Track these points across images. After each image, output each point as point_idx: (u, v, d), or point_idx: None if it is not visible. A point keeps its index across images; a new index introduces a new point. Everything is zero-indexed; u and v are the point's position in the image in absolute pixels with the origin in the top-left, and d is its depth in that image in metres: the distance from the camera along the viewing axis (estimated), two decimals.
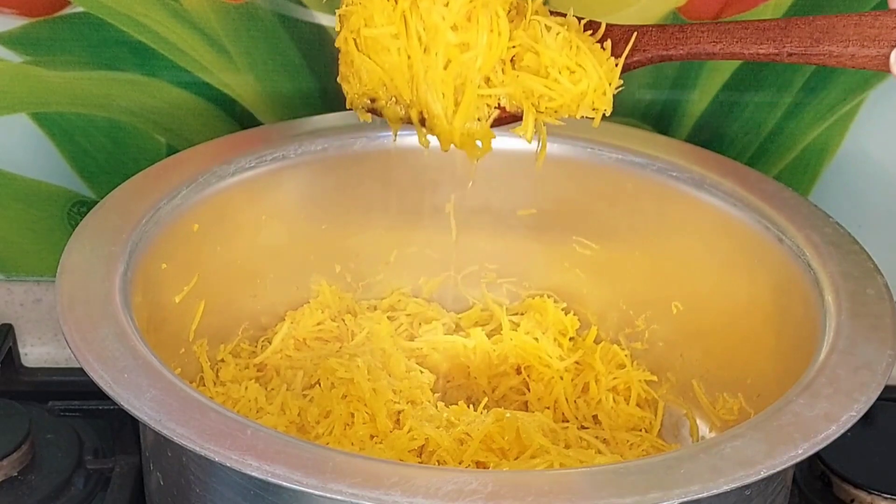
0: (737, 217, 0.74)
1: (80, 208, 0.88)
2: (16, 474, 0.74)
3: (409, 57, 0.64)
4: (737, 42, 0.60)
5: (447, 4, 0.63)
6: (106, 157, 0.87)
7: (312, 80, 0.85)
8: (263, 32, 0.83)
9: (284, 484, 0.50)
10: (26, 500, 0.73)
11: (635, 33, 0.64)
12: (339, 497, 0.50)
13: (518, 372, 0.81)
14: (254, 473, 0.51)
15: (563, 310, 0.83)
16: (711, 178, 0.76)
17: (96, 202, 0.71)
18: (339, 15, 0.67)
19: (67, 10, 0.81)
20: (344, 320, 0.83)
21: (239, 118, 0.86)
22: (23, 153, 0.86)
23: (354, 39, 0.66)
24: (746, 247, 0.73)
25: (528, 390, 0.80)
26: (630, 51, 0.64)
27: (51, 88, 0.84)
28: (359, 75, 0.67)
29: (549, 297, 0.84)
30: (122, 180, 0.73)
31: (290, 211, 0.79)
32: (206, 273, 0.74)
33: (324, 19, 0.82)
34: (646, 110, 0.86)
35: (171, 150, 0.86)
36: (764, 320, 0.72)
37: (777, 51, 0.59)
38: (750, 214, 0.73)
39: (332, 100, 0.85)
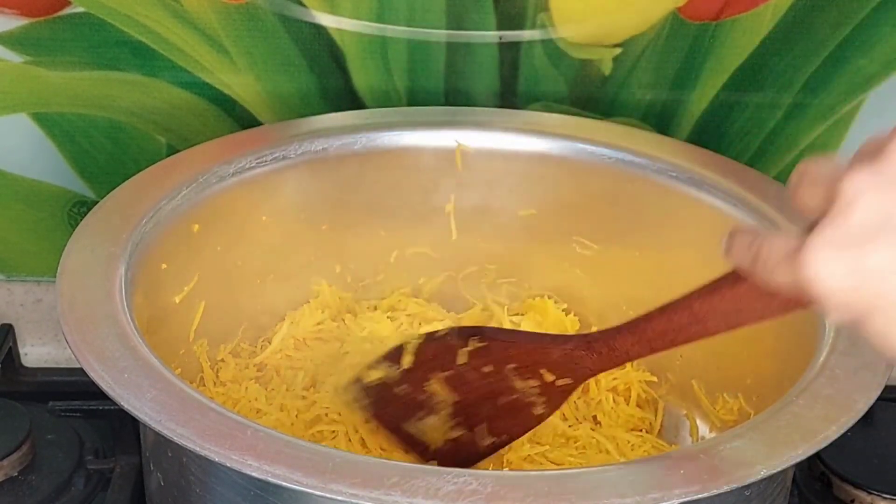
0: (737, 217, 0.74)
1: (81, 208, 0.88)
2: (16, 474, 0.74)
3: None
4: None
5: None
6: (106, 158, 0.87)
7: (312, 80, 0.85)
8: (263, 32, 0.83)
9: (284, 484, 0.50)
10: (26, 501, 0.73)
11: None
12: (339, 497, 0.50)
13: None
14: (254, 473, 0.51)
15: (563, 310, 0.83)
16: (711, 178, 0.76)
17: (96, 202, 0.71)
18: None
19: (67, 10, 0.81)
20: (344, 320, 0.83)
21: (239, 118, 0.86)
22: (23, 153, 0.86)
23: None
24: None
25: None
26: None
27: (51, 89, 0.84)
28: None
29: (549, 297, 0.84)
30: (122, 180, 0.73)
31: (290, 211, 0.79)
32: (206, 273, 0.74)
33: (324, 19, 0.82)
34: (646, 110, 0.86)
35: (171, 150, 0.86)
36: None
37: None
38: (750, 214, 0.73)
39: (332, 100, 0.85)
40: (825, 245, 0.41)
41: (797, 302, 0.45)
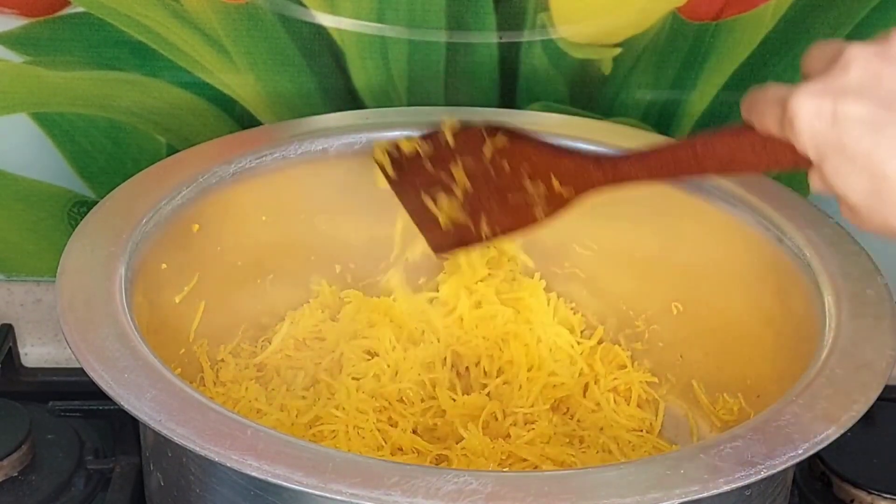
0: (737, 217, 0.74)
1: (81, 208, 0.88)
2: (16, 474, 0.74)
3: None
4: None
5: None
6: (106, 157, 0.87)
7: (312, 80, 0.85)
8: (263, 32, 0.83)
9: (285, 484, 0.50)
10: (27, 501, 0.73)
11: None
12: (339, 497, 0.50)
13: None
14: (254, 473, 0.51)
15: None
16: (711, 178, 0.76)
17: (96, 202, 0.71)
18: None
19: (67, 10, 0.81)
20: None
21: (239, 118, 0.86)
22: (23, 153, 0.86)
23: None
24: (746, 247, 0.73)
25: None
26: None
27: (51, 88, 0.84)
28: None
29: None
30: (122, 180, 0.73)
31: (290, 211, 0.79)
32: (206, 273, 0.74)
33: (324, 19, 0.82)
34: (646, 110, 0.86)
35: (171, 150, 0.86)
36: (764, 320, 0.72)
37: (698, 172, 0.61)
38: (750, 214, 0.73)
39: (332, 100, 0.85)
40: (813, 91, 0.48)
41: (781, 159, 0.51)
